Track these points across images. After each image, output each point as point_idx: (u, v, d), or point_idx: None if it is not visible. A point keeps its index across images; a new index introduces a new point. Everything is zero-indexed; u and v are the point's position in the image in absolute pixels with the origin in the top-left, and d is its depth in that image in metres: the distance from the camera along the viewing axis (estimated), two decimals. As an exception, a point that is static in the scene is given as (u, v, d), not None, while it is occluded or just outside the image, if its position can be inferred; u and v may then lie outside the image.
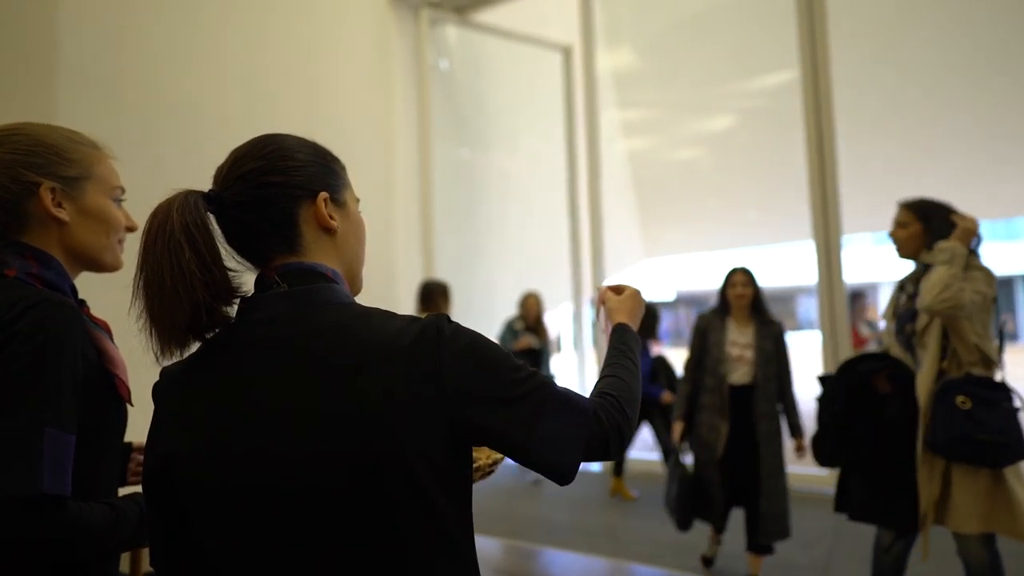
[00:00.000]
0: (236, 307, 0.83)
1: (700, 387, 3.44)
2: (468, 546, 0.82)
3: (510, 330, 5.72)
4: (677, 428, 3.48)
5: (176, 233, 0.76)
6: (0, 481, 0.79)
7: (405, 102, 6.34)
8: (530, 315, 5.74)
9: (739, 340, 3.37)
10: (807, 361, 7.32)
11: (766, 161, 8.06)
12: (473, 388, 0.78)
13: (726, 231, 9.35)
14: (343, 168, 0.91)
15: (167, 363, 0.81)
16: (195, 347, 0.82)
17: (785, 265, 19.14)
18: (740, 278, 3.43)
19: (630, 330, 1.05)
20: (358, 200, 0.93)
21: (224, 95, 4.82)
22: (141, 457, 1.21)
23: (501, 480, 4.69)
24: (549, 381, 0.83)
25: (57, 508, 0.82)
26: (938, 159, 7.15)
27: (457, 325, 0.81)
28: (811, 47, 4.86)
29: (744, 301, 3.40)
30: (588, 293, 6.82)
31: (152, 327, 0.78)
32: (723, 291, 3.47)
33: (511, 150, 7.47)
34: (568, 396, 0.84)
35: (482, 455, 1.09)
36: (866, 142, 6.86)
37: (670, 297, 26.07)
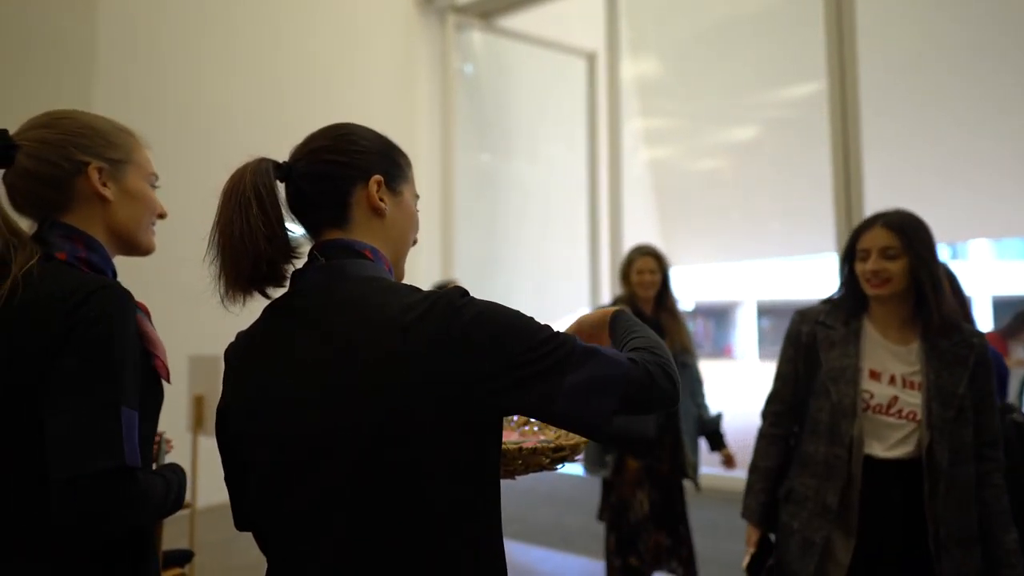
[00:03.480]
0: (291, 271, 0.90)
1: (798, 455, 1.76)
2: (488, 525, 0.82)
3: None
4: (750, 538, 1.81)
5: (247, 192, 0.85)
6: (92, 457, 0.86)
7: (429, 105, 6.39)
8: (644, 293, 2.94)
9: (890, 368, 1.68)
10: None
11: (790, 172, 7.99)
12: (487, 361, 0.77)
13: (748, 242, 9.27)
14: (408, 164, 0.98)
15: (232, 309, 0.89)
16: (251, 299, 0.89)
17: (808, 278, 18.94)
18: (884, 236, 1.65)
19: (622, 313, 1.00)
20: (418, 197, 0.99)
21: (250, 97, 4.88)
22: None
23: (517, 484, 4.68)
24: (575, 338, 0.81)
25: (134, 479, 0.89)
26: (965, 173, 7.05)
27: (471, 297, 0.81)
28: (838, 58, 4.83)
29: (897, 285, 1.66)
30: (606, 300, 6.79)
31: (221, 274, 0.87)
32: (847, 264, 1.75)
33: (533, 156, 7.49)
34: (596, 348, 0.81)
35: (565, 438, 1.07)
36: (892, 155, 6.77)
37: (689, 307, 25.98)
